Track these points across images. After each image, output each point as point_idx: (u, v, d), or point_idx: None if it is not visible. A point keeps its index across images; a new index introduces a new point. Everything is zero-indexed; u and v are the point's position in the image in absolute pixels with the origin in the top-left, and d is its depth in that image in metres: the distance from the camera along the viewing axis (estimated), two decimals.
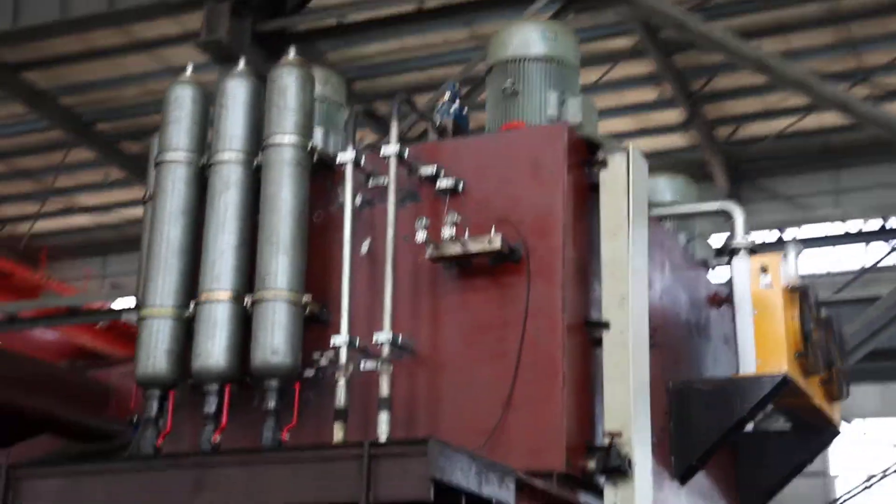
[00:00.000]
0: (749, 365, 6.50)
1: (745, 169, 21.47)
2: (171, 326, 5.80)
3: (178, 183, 6.01)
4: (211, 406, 5.62)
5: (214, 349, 5.66)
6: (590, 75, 17.72)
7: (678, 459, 6.47)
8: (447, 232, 5.48)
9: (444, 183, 5.78)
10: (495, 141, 5.97)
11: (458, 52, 17.55)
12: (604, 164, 5.83)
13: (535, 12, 10.75)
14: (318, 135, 6.44)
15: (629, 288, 5.62)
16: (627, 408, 5.47)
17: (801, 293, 6.66)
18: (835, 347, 7.14)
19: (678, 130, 20.55)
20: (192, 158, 6.04)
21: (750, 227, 6.85)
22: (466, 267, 5.66)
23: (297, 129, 5.89)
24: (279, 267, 5.68)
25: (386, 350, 5.48)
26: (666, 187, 7.82)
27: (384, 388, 5.40)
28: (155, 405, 5.77)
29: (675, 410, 6.52)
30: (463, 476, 4.29)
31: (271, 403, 5.55)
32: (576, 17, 11.64)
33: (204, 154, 6.05)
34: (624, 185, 5.76)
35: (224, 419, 5.59)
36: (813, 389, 6.92)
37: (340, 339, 5.54)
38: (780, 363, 6.44)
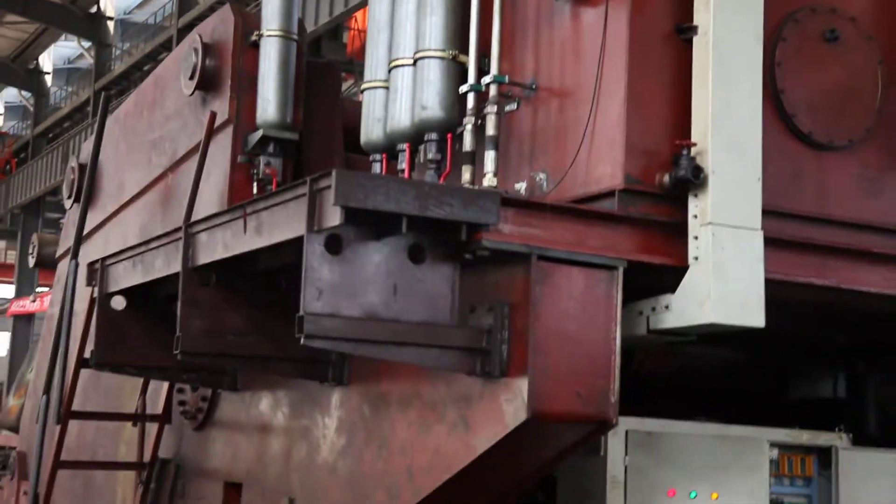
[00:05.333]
0: None
1: None
2: (382, 96, 6.54)
3: None
4: (402, 163, 6.32)
5: (401, 113, 6.29)
6: None
7: None
8: None
9: None
10: None
11: None
12: None
13: None
14: None
15: None
16: (706, 116, 5.02)
17: None
18: None
19: None
20: None
21: None
22: None
23: None
24: (431, 27, 6.09)
25: (493, 90, 5.67)
26: None
27: (490, 128, 5.63)
28: (377, 167, 6.60)
29: None
30: (391, 200, 4.57)
31: (430, 154, 6.08)
32: None
33: None
34: None
35: (406, 173, 6.25)
36: None
37: (465, 86, 5.83)
38: None
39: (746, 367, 7.81)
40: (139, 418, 7.84)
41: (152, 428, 7.72)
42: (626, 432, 5.72)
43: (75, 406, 7.73)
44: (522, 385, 4.65)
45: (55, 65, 53.08)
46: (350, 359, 5.84)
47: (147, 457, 7.68)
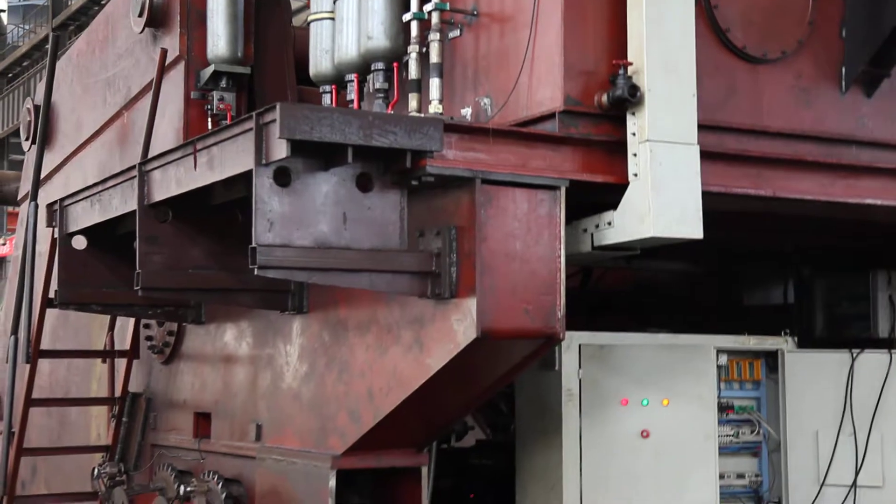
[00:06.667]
0: None
1: None
2: (329, 27, 6.60)
3: None
4: (350, 93, 6.42)
5: (348, 43, 6.37)
6: None
7: (851, 65, 5.75)
8: None
9: None
10: None
11: None
12: None
13: None
14: None
15: None
16: (640, 35, 5.14)
17: None
18: None
19: None
20: None
21: None
22: None
23: None
24: None
25: (435, 18, 5.76)
26: None
27: (434, 56, 5.73)
28: (328, 99, 6.69)
29: (849, 11, 5.76)
30: (336, 131, 4.67)
31: (377, 84, 6.17)
32: None
33: None
34: None
35: (355, 103, 6.35)
36: None
37: (409, 14, 5.91)
38: None
39: (701, 278, 8.03)
40: (107, 354, 7.99)
41: (122, 364, 7.87)
42: (580, 346, 5.92)
43: (45, 345, 7.87)
44: (471, 305, 4.82)
45: (10, 2, 52.29)
46: (308, 288, 6.00)
47: (118, 392, 7.84)
